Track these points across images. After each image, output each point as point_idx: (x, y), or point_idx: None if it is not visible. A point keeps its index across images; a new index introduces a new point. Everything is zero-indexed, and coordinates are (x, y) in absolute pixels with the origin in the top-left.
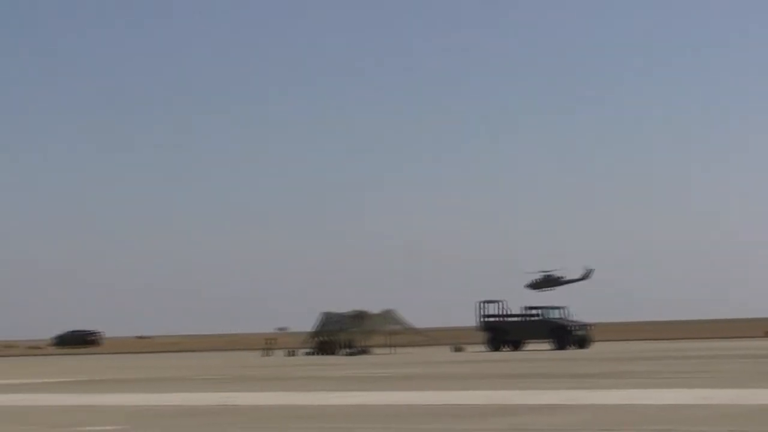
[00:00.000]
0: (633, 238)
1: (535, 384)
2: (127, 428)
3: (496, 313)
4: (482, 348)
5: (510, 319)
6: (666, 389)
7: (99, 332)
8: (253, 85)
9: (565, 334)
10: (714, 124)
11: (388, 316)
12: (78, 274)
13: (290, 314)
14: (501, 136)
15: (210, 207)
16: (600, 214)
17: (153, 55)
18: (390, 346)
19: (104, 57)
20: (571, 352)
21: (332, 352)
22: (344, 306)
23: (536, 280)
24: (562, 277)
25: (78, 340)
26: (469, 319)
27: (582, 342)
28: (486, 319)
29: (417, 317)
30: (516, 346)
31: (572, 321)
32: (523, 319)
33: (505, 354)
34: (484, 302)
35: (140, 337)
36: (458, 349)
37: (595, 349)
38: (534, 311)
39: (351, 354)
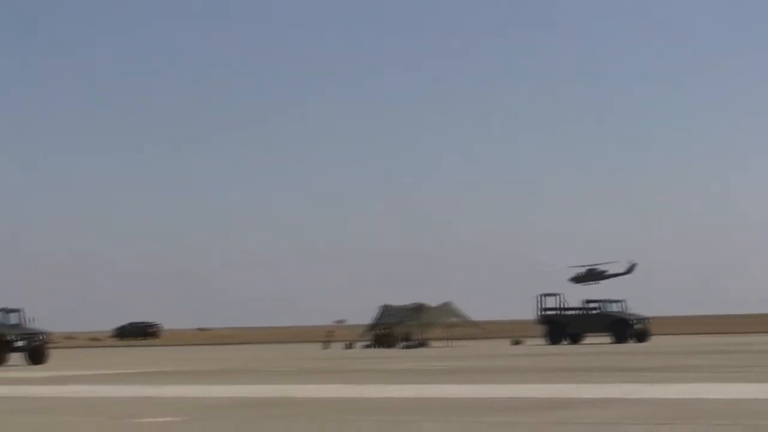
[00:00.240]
0: (691, 230)
1: (594, 377)
2: (186, 420)
3: (555, 306)
4: (541, 341)
5: (569, 312)
6: (727, 383)
7: (158, 324)
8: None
9: (624, 328)
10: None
11: (446, 308)
12: (138, 266)
13: (349, 307)
14: (550, 130)
15: (268, 200)
16: (653, 206)
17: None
18: (448, 339)
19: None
20: (630, 346)
21: (390, 345)
22: (403, 299)
23: (579, 273)
24: (605, 271)
25: (138, 332)
26: (529, 312)
27: (641, 335)
28: (545, 313)
29: (475, 310)
30: (575, 339)
31: (631, 314)
32: (582, 312)
33: (564, 347)
34: (544, 295)
35: (200, 329)
36: (517, 342)
37: (654, 342)
38: (593, 304)
39: (409, 347)
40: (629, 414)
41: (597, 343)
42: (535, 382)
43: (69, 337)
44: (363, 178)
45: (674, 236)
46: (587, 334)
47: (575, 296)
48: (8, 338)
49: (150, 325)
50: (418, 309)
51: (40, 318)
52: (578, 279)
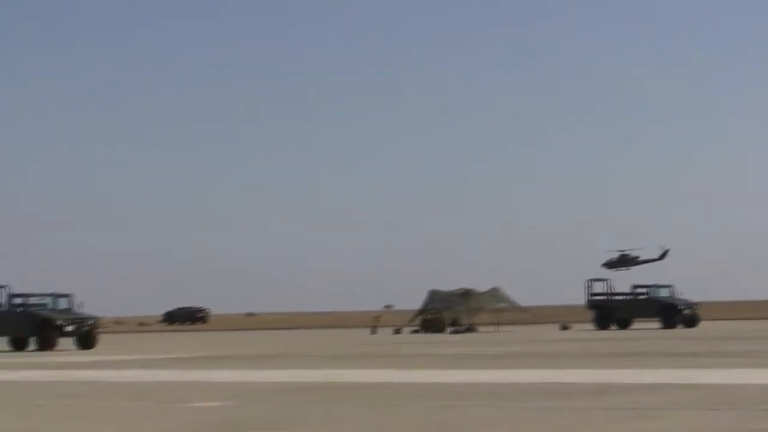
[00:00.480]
0: (738, 216)
1: (643, 363)
2: (234, 405)
3: (604, 291)
4: (589, 326)
5: (617, 297)
6: None
7: (207, 309)
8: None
9: (673, 313)
10: None
11: (494, 293)
12: (187, 252)
13: (397, 292)
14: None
15: (316, 186)
16: (701, 194)
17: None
18: (496, 324)
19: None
20: (679, 331)
21: (438, 330)
22: (451, 284)
23: (612, 259)
24: (637, 257)
25: (186, 317)
26: (577, 297)
27: (690, 321)
28: (593, 298)
29: (524, 295)
30: (623, 324)
31: (680, 299)
32: (631, 297)
33: (613, 332)
34: (592, 280)
35: (249, 314)
36: (565, 328)
37: (703, 327)
38: (642, 290)
39: (457, 332)
40: (678, 399)
41: (645, 329)
42: (583, 368)
43: (118, 321)
44: (412, 164)
45: (721, 220)
46: (635, 320)
47: (624, 281)
48: (58, 323)
49: (198, 310)
50: (466, 294)
51: (89, 303)
52: (610, 264)
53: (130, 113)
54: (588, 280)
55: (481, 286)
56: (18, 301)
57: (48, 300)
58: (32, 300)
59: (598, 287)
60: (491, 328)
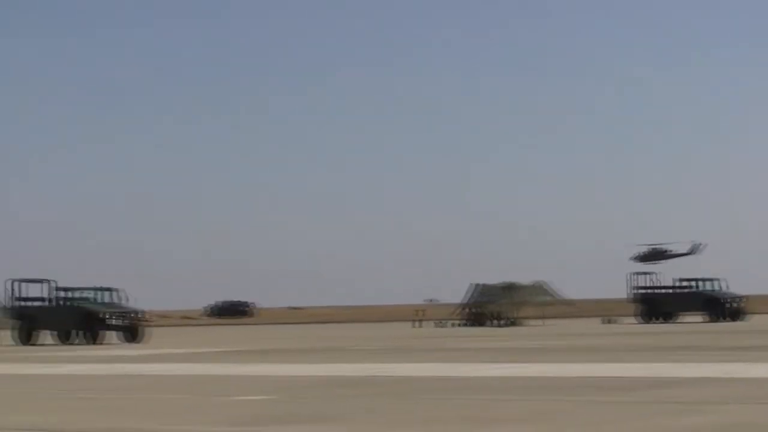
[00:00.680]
0: None
1: (688, 356)
2: (278, 398)
3: (649, 284)
4: (634, 320)
5: (662, 290)
6: None
7: (252, 303)
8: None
9: (719, 306)
10: None
11: (538, 287)
12: (232, 245)
13: (440, 286)
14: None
15: (356, 181)
16: (741, 187)
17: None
18: (540, 317)
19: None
20: (725, 325)
21: (482, 324)
22: (495, 277)
23: (643, 252)
24: (669, 251)
25: (231, 311)
26: (622, 290)
27: (736, 314)
28: (638, 291)
29: (568, 288)
30: (668, 318)
31: (726, 293)
32: (676, 290)
33: (657, 326)
34: (636, 274)
35: (292, 308)
36: (609, 321)
37: (750, 321)
38: (687, 283)
39: (501, 325)
40: (725, 393)
41: (691, 322)
42: (628, 361)
43: (163, 315)
44: (456, 157)
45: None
46: (680, 313)
47: (669, 275)
48: (104, 316)
49: (243, 304)
50: (511, 288)
51: (135, 297)
52: (642, 258)
53: (174, 109)
54: (631, 274)
55: (525, 279)
56: (64, 294)
57: (94, 294)
58: (78, 294)
59: (643, 280)
60: (535, 322)
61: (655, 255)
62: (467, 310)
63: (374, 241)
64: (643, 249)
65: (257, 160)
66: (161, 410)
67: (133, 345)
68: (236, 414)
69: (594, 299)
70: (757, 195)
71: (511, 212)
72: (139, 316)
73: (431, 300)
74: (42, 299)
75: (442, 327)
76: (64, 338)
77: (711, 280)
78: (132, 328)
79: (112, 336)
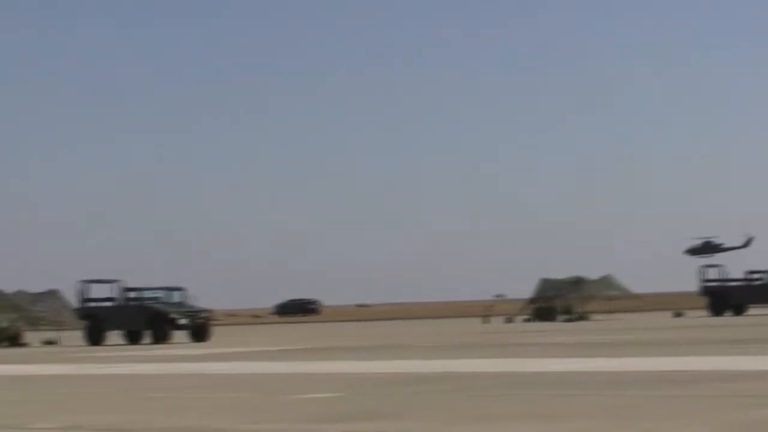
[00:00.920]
0: None
1: (757, 350)
2: (345, 396)
3: (718, 277)
4: (703, 313)
5: (732, 283)
6: None
7: (318, 301)
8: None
9: None
10: None
11: (606, 281)
12: (298, 244)
13: (508, 281)
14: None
15: (423, 176)
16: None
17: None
18: (608, 312)
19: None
20: None
21: (550, 319)
22: (563, 272)
23: (695, 246)
24: (721, 244)
25: (298, 309)
26: (691, 283)
27: None
28: (707, 284)
29: (636, 282)
30: (738, 310)
31: None
32: (746, 283)
33: (727, 319)
34: (706, 266)
35: (360, 306)
36: (678, 315)
37: None
38: (757, 275)
39: (569, 320)
40: None
41: (762, 315)
42: (698, 355)
43: (230, 314)
44: (526, 149)
45: None
46: (751, 305)
47: (738, 267)
48: (172, 316)
49: (310, 302)
50: (578, 282)
51: (202, 296)
52: (693, 251)
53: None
54: (701, 266)
55: (593, 273)
56: (132, 295)
57: (161, 293)
58: (146, 294)
59: (712, 273)
60: (604, 316)
61: (708, 248)
62: (535, 305)
63: (441, 238)
64: (697, 242)
65: (324, 157)
66: (230, 409)
67: (201, 344)
68: (304, 412)
69: (663, 293)
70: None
71: (577, 207)
72: (206, 315)
73: (499, 296)
74: (110, 299)
75: (510, 322)
76: (133, 338)
77: None
78: (199, 328)
79: (179, 335)
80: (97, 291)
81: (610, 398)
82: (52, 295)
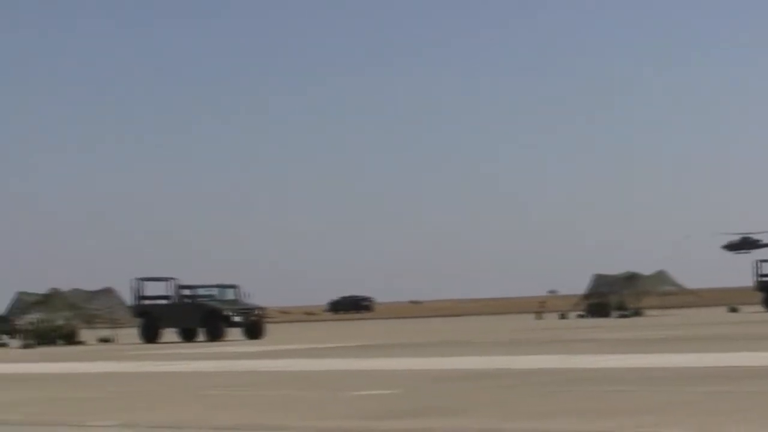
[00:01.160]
0: None
1: None
2: (401, 392)
3: None
4: (759, 308)
5: None
6: None
7: (372, 297)
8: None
9: None
10: None
11: (660, 277)
12: (351, 241)
13: (561, 277)
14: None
15: (473, 175)
16: None
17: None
18: (663, 307)
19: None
20: None
21: (604, 315)
22: (616, 268)
23: (733, 241)
24: (759, 240)
25: (351, 306)
26: (746, 279)
27: None
28: (762, 279)
29: (690, 277)
30: None
31: None
32: None
33: None
34: (761, 261)
35: (413, 302)
36: (733, 310)
37: None
38: None
39: (623, 316)
40: None
41: None
42: (754, 350)
43: (284, 311)
44: (582, 145)
45: None
46: None
47: None
48: (226, 313)
49: (363, 299)
50: (632, 278)
51: (256, 293)
52: (732, 246)
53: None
54: (756, 261)
55: (647, 269)
56: (186, 292)
57: (215, 291)
58: (200, 291)
59: (767, 268)
60: (658, 312)
61: (747, 244)
62: (589, 301)
63: (494, 233)
64: (735, 238)
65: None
66: (287, 406)
67: (255, 341)
68: (361, 408)
69: (718, 288)
70: None
71: (628, 202)
72: (260, 312)
73: (553, 291)
74: (165, 297)
75: (564, 318)
76: (187, 336)
77: None
78: (253, 325)
79: (233, 333)
80: (152, 289)
81: (666, 394)
82: (107, 293)
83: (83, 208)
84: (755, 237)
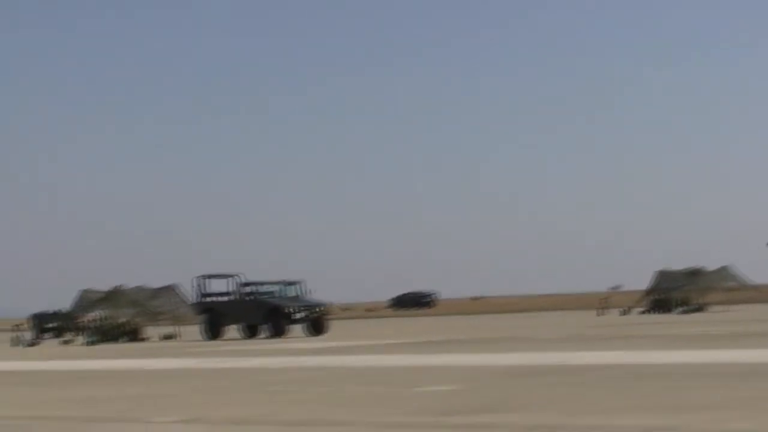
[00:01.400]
0: None
1: None
2: (463, 388)
3: None
4: None
5: None
6: None
7: (434, 293)
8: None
9: None
10: None
11: (724, 272)
12: (413, 238)
13: (624, 273)
14: None
15: (545, 169)
16: None
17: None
18: (726, 303)
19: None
20: None
21: (667, 310)
22: (680, 263)
23: None
24: None
25: (413, 302)
26: None
27: None
28: None
29: (755, 273)
30: None
31: None
32: None
33: None
34: None
35: (475, 298)
36: None
37: None
38: None
39: (686, 312)
40: None
41: None
42: None
43: (346, 308)
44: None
45: None
46: None
47: None
48: (289, 310)
49: (426, 295)
50: (695, 273)
51: (319, 289)
52: None
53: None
54: None
55: (711, 265)
56: (249, 289)
57: (278, 287)
58: (263, 288)
59: None
60: (722, 308)
61: None
62: (652, 296)
63: (556, 230)
64: None
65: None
66: (351, 402)
67: (318, 338)
68: (425, 404)
69: None
70: None
71: (697, 200)
72: (323, 309)
73: (615, 287)
74: (228, 294)
75: (627, 314)
76: (250, 332)
77: None
78: (316, 321)
79: (296, 329)
80: (215, 286)
81: (732, 390)
82: (169, 290)
83: (137, 209)
84: None
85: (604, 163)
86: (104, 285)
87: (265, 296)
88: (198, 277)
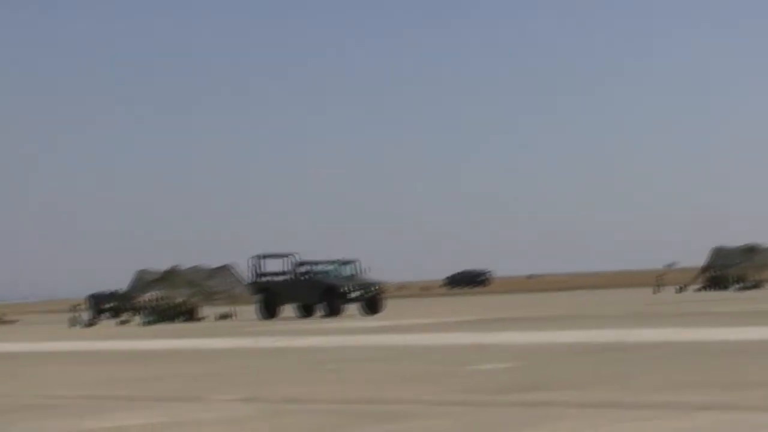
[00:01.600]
0: None
1: None
2: (518, 366)
3: None
4: None
5: None
6: None
7: (489, 272)
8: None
9: None
10: None
11: None
12: (469, 214)
13: (680, 250)
14: None
15: (584, 151)
16: None
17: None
18: None
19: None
20: None
21: (724, 288)
22: (736, 240)
23: None
24: None
25: (468, 280)
26: None
27: None
28: None
29: None
30: None
31: None
32: None
33: None
34: None
35: (530, 276)
36: None
37: None
38: None
39: (742, 289)
40: None
41: None
42: None
43: (401, 287)
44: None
45: None
46: None
47: None
48: (344, 289)
49: (480, 273)
50: (752, 250)
51: (374, 268)
52: None
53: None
54: None
55: (767, 241)
56: (304, 269)
57: (333, 267)
58: (318, 267)
59: None
60: None
61: None
62: (708, 273)
63: (611, 206)
64: None
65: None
66: (408, 380)
67: (373, 317)
68: (483, 382)
69: None
70: None
71: (749, 174)
72: (378, 288)
73: (671, 265)
74: (283, 273)
75: (683, 292)
76: (305, 312)
77: None
78: (371, 300)
79: (352, 308)
80: (271, 265)
81: None
82: (225, 270)
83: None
84: None
85: (673, 138)
86: (161, 265)
87: (321, 276)
88: (254, 257)
